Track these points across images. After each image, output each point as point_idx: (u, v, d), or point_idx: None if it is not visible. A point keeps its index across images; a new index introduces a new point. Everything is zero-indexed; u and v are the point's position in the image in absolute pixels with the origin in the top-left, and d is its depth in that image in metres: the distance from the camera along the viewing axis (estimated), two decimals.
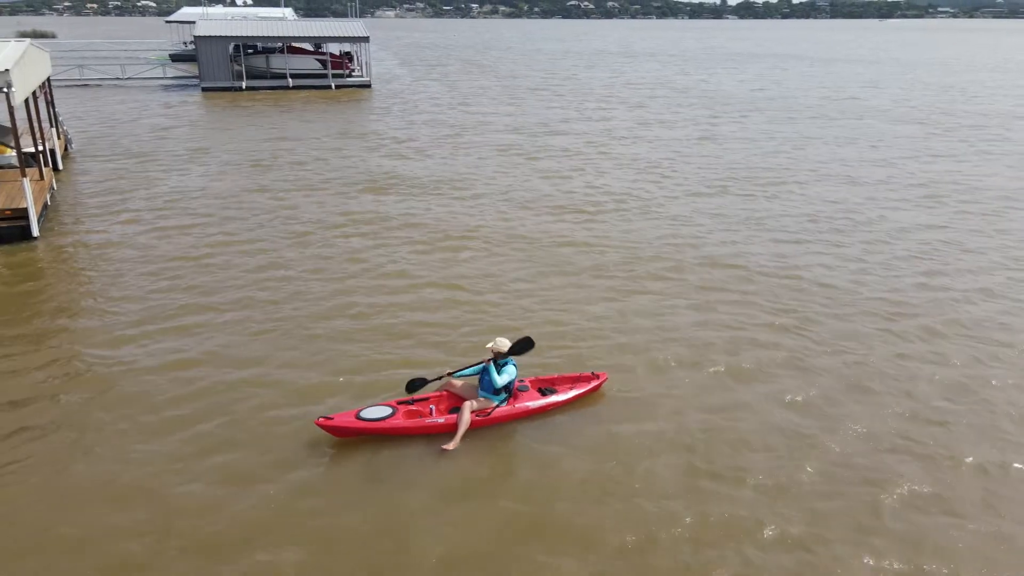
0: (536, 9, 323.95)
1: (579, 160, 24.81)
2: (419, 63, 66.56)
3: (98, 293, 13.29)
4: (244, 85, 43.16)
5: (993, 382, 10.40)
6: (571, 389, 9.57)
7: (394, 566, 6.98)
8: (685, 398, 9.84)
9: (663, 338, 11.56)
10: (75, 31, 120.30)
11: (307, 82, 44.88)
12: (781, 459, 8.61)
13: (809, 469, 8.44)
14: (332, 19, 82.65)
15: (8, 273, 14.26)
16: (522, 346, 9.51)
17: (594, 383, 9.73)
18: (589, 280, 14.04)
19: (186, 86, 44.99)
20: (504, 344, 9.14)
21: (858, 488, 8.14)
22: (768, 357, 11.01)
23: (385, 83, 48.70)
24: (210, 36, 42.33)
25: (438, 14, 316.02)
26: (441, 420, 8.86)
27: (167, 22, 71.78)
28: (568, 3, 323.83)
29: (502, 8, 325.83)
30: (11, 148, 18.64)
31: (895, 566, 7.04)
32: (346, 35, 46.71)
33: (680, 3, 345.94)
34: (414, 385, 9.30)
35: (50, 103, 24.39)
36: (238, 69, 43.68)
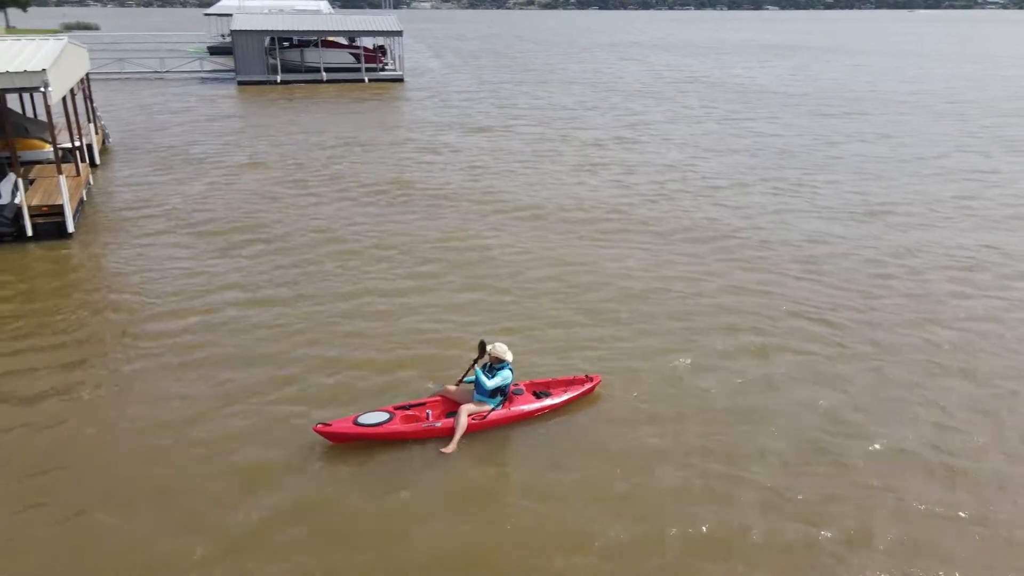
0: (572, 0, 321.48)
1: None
2: (452, 55, 66.83)
3: (129, 291, 13.70)
4: (279, 79, 43.99)
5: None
6: (565, 392, 9.83)
7: (393, 568, 7.20)
8: (680, 401, 10.01)
9: (658, 340, 11.72)
10: (119, 22, 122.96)
11: (340, 76, 45.54)
12: (778, 461, 8.77)
13: (806, 472, 8.60)
14: (367, 12, 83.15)
15: (43, 270, 14.76)
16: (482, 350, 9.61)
17: (588, 386, 9.97)
18: (589, 281, 14.20)
19: (222, 79, 45.97)
20: (501, 350, 9.41)
21: (859, 491, 8.29)
22: (768, 360, 11.12)
23: (418, 75, 49.13)
24: (246, 30, 43.26)
25: (473, 5, 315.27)
26: (438, 424, 9.16)
27: (205, 15, 72.99)
28: None
29: None
30: (49, 144, 19.08)
31: (894, 572, 7.20)
32: (380, 29, 47.32)
33: None
34: (483, 347, 9.51)
35: (88, 98, 25.05)
36: (273, 63, 44.50)
